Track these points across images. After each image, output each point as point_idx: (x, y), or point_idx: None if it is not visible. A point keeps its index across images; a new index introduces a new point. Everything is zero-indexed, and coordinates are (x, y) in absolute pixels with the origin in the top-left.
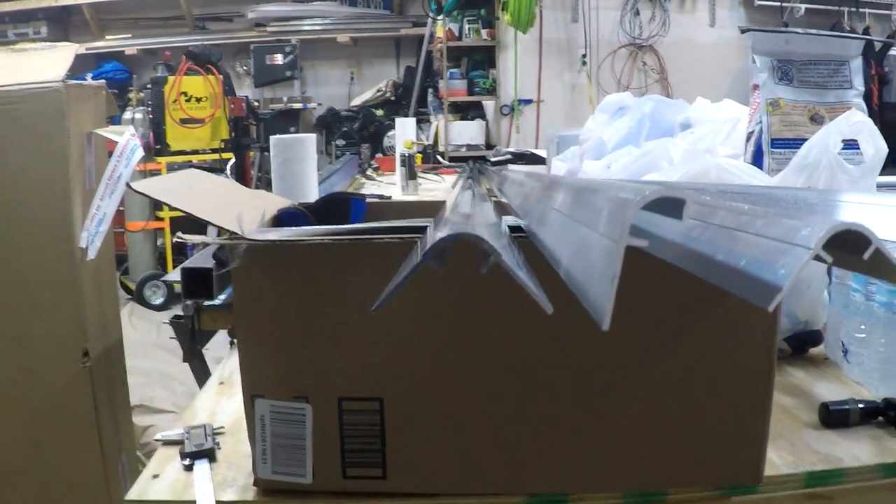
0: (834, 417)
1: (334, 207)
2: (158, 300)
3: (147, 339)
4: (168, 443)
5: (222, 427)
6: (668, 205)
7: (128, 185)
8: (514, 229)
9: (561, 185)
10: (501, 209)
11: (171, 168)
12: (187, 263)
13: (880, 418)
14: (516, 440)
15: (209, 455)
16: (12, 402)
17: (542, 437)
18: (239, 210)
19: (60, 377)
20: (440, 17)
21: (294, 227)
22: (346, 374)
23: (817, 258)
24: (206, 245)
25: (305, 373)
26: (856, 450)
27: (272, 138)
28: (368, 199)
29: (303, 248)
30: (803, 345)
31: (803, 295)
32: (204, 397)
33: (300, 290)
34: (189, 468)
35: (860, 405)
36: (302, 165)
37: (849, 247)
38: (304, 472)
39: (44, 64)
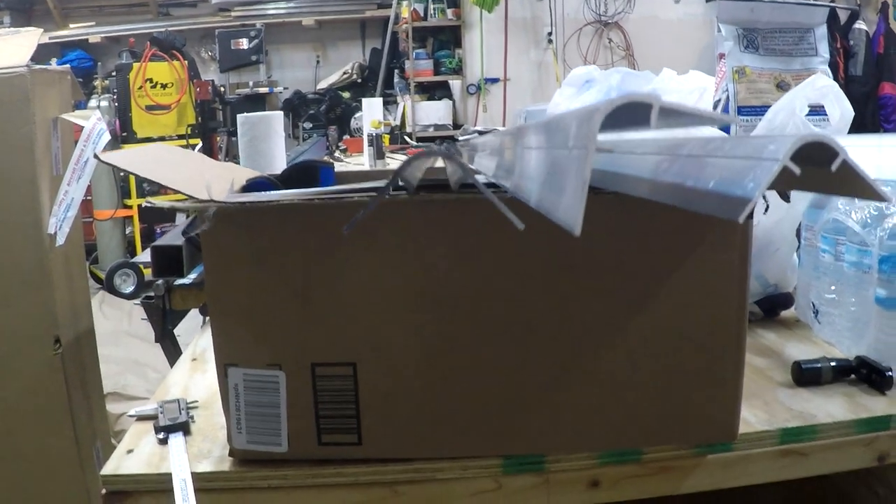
0: (806, 375)
1: (303, 175)
2: (129, 288)
3: (119, 327)
4: (142, 418)
5: (196, 401)
6: (635, 114)
7: (96, 156)
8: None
9: (529, 128)
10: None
11: None
12: (157, 242)
13: (853, 376)
14: (490, 402)
15: (184, 428)
16: None
17: (516, 399)
18: (208, 179)
19: (32, 365)
20: None
21: (264, 192)
22: (318, 340)
23: (784, 175)
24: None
25: (278, 339)
26: (829, 406)
27: (239, 117)
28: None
29: (272, 210)
30: (774, 307)
31: (772, 258)
32: (177, 374)
33: (270, 254)
34: (164, 441)
35: (832, 363)
36: (269, 143)
37: (815, 162)
38: (280, 440)
39: (7, 49)
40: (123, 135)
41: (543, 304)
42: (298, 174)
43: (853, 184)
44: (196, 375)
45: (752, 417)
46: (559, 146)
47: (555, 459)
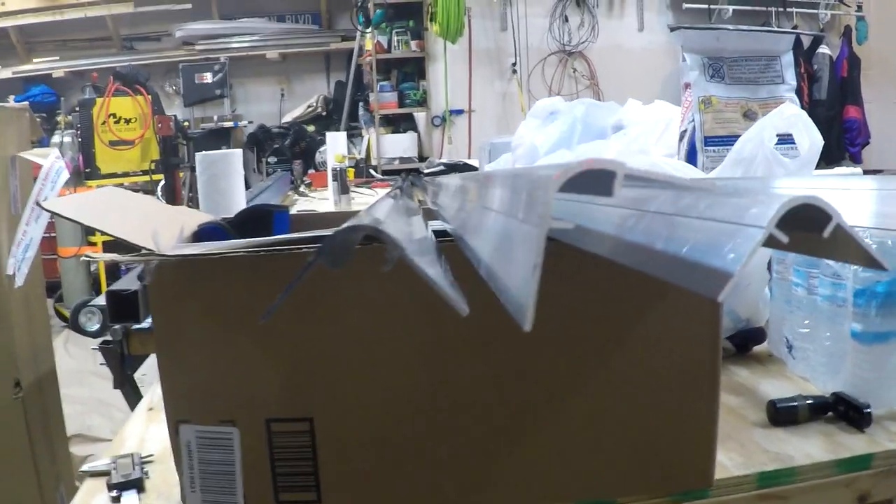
0: (782, 415)
1: (256, 220)
2: (94, 326)
3: (84, 366)
4: (95, 474)
5: (151, 455)
6: (596, 182)
7: (38, 203)
8: (441, 234)
9: (489, 179)
10: (429, 216)
11: None
12: (113, 286)
13: (830, 414)
14: (455, 455)
15: (137, 485)
16: None
17: (481, 452)
18: (155, 227)
19: None
20: (368, 30)
21: (212, 242)
22: (272, 395)
23: (771, 241)
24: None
25: (230, 395)
26: (807, 447)
27: (197, 155)
28: (295, 212)
29: (215, 262)
30: (746, 343)
31: (744, 292)
32: (133, 424)
33: (217, 306)
34: (117, 500)
35: (808, 401)
36: (228, 182)
37: (804, 227)
38: (236, 499)
39: None
40: (87, 171)
41: (507, 353)
42: (252, 219)
43: (847, 248)
44: (152, 427)
45: (728, 461)
46: (510, 212)
47: None
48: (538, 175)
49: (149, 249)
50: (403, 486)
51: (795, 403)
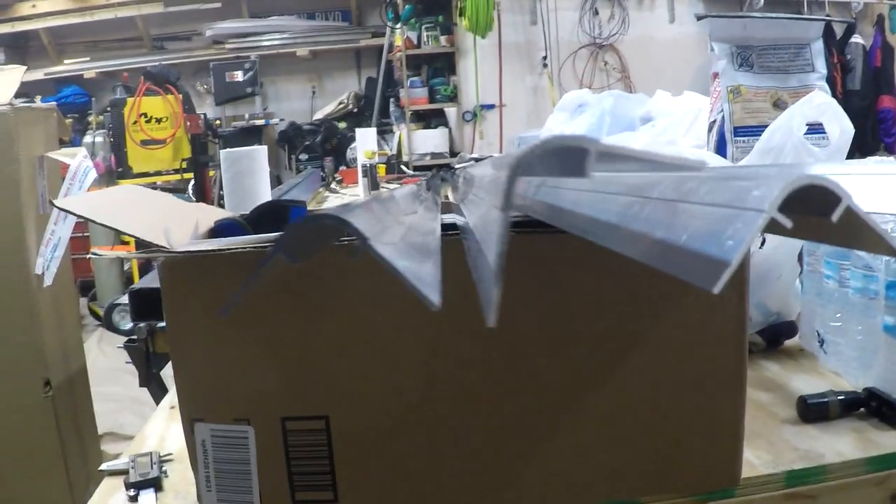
0: (813, 411)
1: (273, 216)
2: (127, 325)
3: (117, 364)
4: (113, 473)
5: (171, 454)
6: (570, 160)
7: (51, 202)
8: (452, 227)
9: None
10: (448, 209)
11: None
12: (135, 285)
13: (862, 410)
14: (474, 455)
15: (155, 484)
16: None
17: (500, 451)
18: (169, 224)
19: (22, 408)
20: (398, 25)
21: (222, 238)
22: (287, 392)
23: (772, 226)
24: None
25: (244, 393)
26: (838, 444)
27: (221, 152)
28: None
29: (222, 258)
30: (777, 337)
31: (774, 285)
32: (154, 423)
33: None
34: (134, 499)
35: (840, 397)
36: (253, 179)
37: (813, 210)
38: (252, 498)
39: None
40: (119, 170)
41: (526, 352)
42: (268, 215)
43: (860, 235)
44: (173, 425)
45: (756, 459)
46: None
47: None
48: (504, 159)
49: (158, 246)
50: (422, 486)
51: (826, 399)
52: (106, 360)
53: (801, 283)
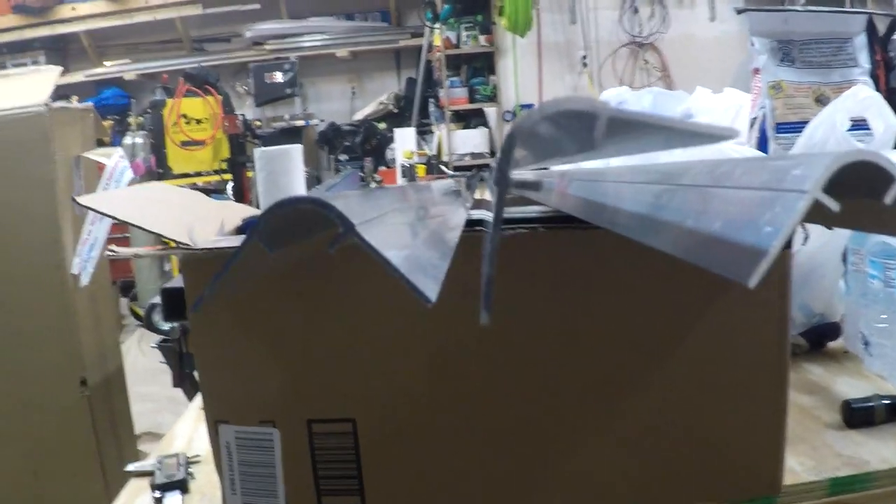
0: (857, 416)
1: None
2: (167, 325)
3: (156, 364)
4: (139, 474)
5: (198, 455)
6: (579, 130)
7: (73, 199)
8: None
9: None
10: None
11: None
12: (167, 284)
13: None
14: (504, 462)
15: (181, 486)
16: (11, 435)
17: (532, 458)
18: (192, 221)
19: (58, 408)
20: (436, 25)
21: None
22: (313, 394)
23: (816, 212)
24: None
25: (269, 395)
26: (884, 451)
27: (256, 151)
28: None
29: None
30: (820, 339)
31: (817, 285)
32: (183, 424)
33: (253, 303)
34: (159, 501)
35: (885, 401)
36: (288, 178)
37: (860, 190)
38: (277, 502)
39: (25, 88)
40: (159, 171)
41: (558, 354)
42: None
43: None
44: (202, 426)
45: (799, 466)
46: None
47: None
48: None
49: (179, 243)
50: (451, 492)
51: (871, 404)
52: (145, 360)
53: (844, 284)
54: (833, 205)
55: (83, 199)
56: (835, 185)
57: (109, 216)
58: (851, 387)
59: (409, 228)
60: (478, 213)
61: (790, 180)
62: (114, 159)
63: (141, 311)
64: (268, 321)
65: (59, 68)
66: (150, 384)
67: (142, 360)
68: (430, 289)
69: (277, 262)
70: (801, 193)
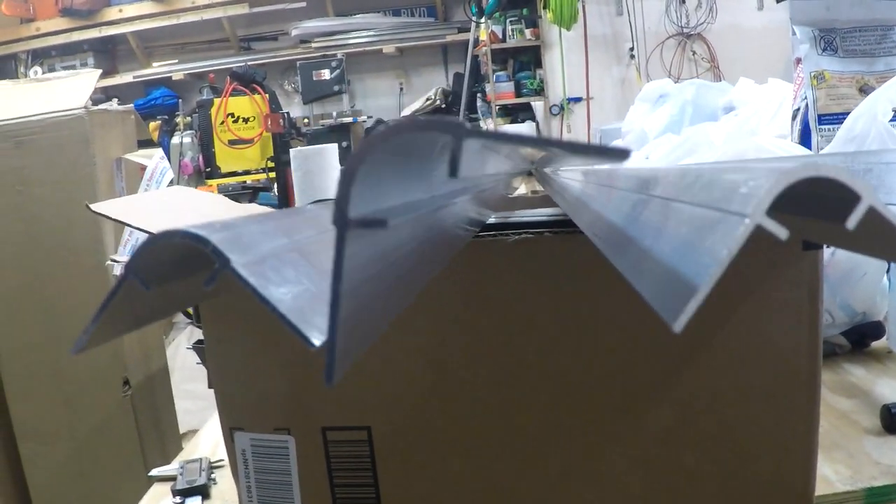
0: None
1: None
2: None
3: None
4: (162, 479)
5: (221, 459)
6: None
7: (87, 206)
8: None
9: None
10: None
11: (222, 190)
12: None
13: None
14: (521, 470)
15: (202, 492)
16: (55, 436)
17: (552, 464)
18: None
19: (101, 408)
20: (482, 20)
21: None
22: (328, 402)
23: (766, 235)
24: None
25: (284, 402)
26: None
27: (291, 151)
28: None
29: None
30: (863, 338)
31: (859, 284)
32: (209, 428)
33: (263, 308)
34: None
35: None
36: (323, 178)
37: (829, 211)
38: None
39: (65, 92)
40: (207, 170)
41: (580, 359)
42: None
43: (886, 238)
44: None
45: (834, 475)
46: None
47: None
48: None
49: None
50: (467, 499)
51: None
52: (194, 358)
53: (888, 281)
54: (780, 232)
55: (96, 206)
56: (798, 200)
57: (122, 223)
58: (893, 389)
59: (319, 256)
60: (496, 217)
61: (737, 200)
62: (154, 160)
63: (190, 309)
64: (282, 328)
65: (99, 71)
66: (199, 382)
67: (190, 357)
68: (321, 330)
69: (167, 299)
70: (741, 217)
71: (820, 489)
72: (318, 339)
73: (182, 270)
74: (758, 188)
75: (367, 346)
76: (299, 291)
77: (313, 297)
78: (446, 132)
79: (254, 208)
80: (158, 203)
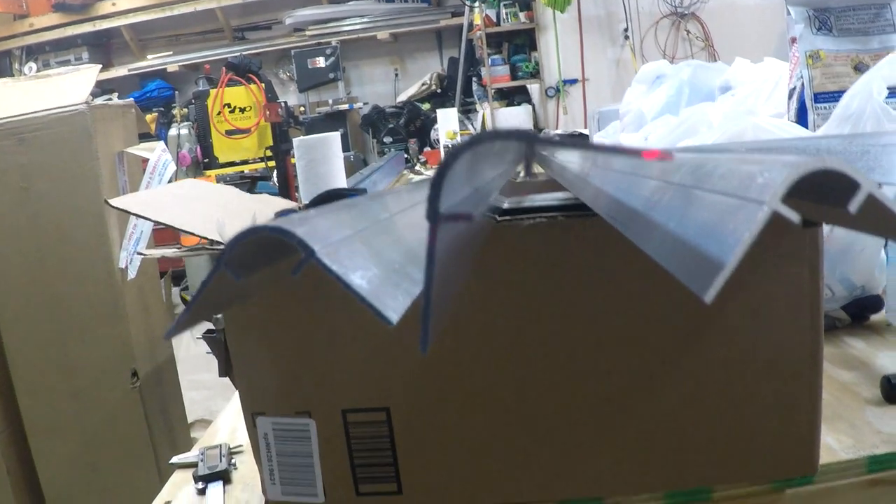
0: None
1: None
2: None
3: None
4: (183, 466)
5: (241, 445)
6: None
7: (106, 201)
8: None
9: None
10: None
11: (221, 180)
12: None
13: None
14: (540, 443)
15: (224, 477)
16: (65, 428)
17: (568, 439)
18: (223, 217)
19: (110, 400)
20: (476, 4)
21: None
22: (347, 385)
23: (781, 219)
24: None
25: (305, 386)
26: None
27: (295, 140)
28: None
29: None
30: (862, 312)
31: (857, 258)
32: (226, 414)
33: (287, 295)
34: (202, 492)
35: None
36: (327, 166)
37: (832, 196)
38: (316, 491)
39: (66, 88)
40: (205, 161)
41: (592, 337)
42: (327, 203)
43: (884, 220)
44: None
45: (836, 443)
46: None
47: (615, 502)
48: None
49: (210, 240)
50: (485, 476)
51: None
52: (199, 348)
53: (885, 255)
54: (793, 216)
55: (115, 202)
56: (808, 188)
57: (142, 216)
58: (893, 361)
59: (386, 239)
60: (509, 202)
61: (754, 189)
62: (156, 153)
63: None
64: (302, 313)
65: (98, 66)
66: (204, 372)
67: (195, 347)
68: (394, 309)
69: (251, 288)
70: (759, 204)
71: (824, 458)
72: (394, 317)
73: (259, 261)
74: (773, 179)
75: (446, 320)
76: (371, 276)
77: (381, 281)
78: (521, 141)
79: (266, 198)
80: (174, 196)
